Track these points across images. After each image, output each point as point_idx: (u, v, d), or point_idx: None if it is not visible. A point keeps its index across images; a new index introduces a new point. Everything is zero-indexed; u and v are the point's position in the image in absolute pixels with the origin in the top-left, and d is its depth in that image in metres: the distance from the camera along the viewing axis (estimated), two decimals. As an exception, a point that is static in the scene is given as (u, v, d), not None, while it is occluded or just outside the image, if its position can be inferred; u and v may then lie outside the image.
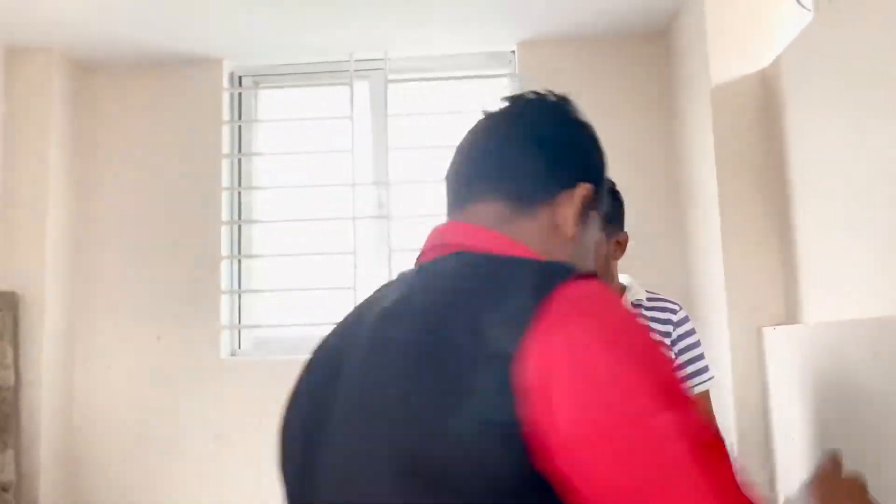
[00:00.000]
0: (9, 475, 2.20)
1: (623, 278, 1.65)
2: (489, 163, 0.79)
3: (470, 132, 0.85)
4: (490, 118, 0.83)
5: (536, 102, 0.82)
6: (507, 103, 0.83)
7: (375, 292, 0.79)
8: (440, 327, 0.61)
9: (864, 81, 1.43)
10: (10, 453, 2.21)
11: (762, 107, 1.97)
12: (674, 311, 1.62)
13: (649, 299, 1.62)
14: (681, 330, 1.60)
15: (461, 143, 0.84)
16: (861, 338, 1.33)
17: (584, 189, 0.77)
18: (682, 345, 1.60)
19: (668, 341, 1.59)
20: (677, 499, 0.52)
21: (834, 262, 1.60)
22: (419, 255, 0.79)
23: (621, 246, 1.57)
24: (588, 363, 0.55)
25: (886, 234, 1.35)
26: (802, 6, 1.69)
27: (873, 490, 0.80)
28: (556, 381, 0.54)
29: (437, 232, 0.79)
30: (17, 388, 2.26)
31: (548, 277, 0.60)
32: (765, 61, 1.99)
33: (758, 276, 1.92)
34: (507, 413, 0.54)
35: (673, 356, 1.58)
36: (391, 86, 2.62)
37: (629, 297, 1.60)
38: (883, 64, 1.34)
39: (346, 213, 2.55)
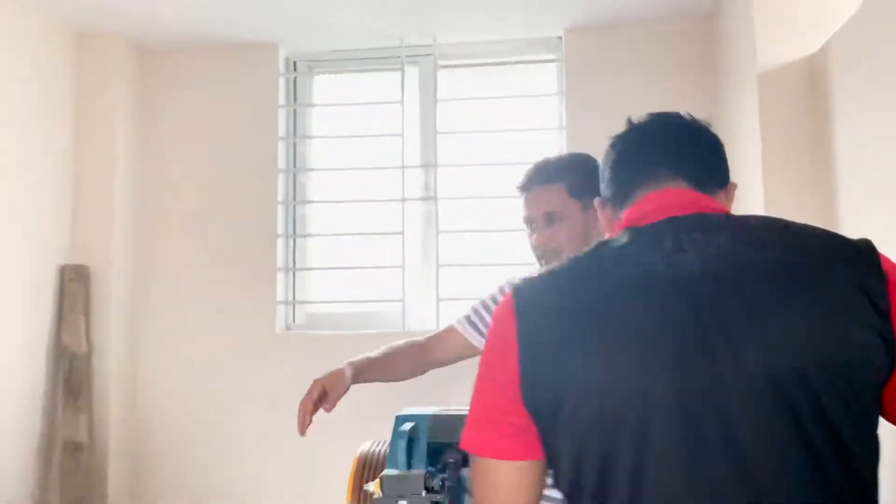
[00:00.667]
0: (82, 436, 2.36)
1: None
2: (681, 154, 0.97)
3: (653, 126, 1.03)
4: (670, 119, 1.03)
5: (697, 120, 1.04)
6: (680, 114, 1.04)
7: (643, 240, 0.86)
8: (821, 269, 0.81)
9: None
10: (83, 417, 2.37)
11: (809, 94, 2.00)
12: None
13: None
14: None
15: (645, 135, 1.01)
16: None
17: (734, 186, 1.02)
18: None
19: None
20: None
21: (874, 240, 1.64)
22: (654, 207, 0.90)
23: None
24: None
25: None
26: (852, -6, 1.71)
27: None
28: None
29: (667, 194, 0.92)
30: (88, 357, 2.42)
31: (869, 246, 0.87)
32: (812, 48, 2.01)
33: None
34: (887, 332, 0.77)
35: None
36: (440, 71, 2.70)
37: None
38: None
39: (396, 194, 2.65)
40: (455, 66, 2.74)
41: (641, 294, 0.81)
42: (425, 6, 2.46)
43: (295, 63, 2.82)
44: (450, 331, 1.81)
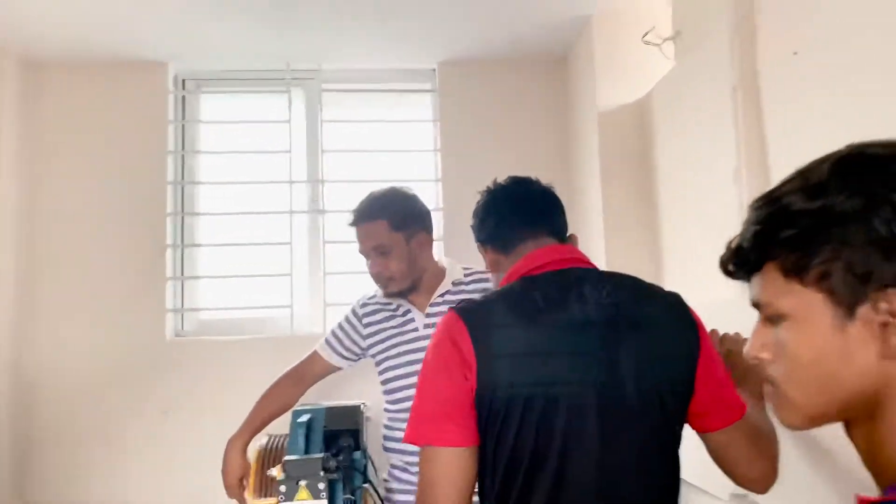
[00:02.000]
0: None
1: (444, 261, 2.04)
2: (548, 213, 1.36)
3: (514, 186, 1.40)
4: (532, 185, 1.41)
5: (548, 186, 1.43)
6: (538, 181, 1.42)
7: (547, 285, 1.20)
8: (668, 315, 1.23)
9: (704, 116, 1.88)
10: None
11: (638, 131, 2.42)
12: (487, 280, 2.00)
13: (467, 275, 2.02)
14: None
15: (515, 197, 1.37)
16: (714, 315, 1.77)
17: (576, 237, 1.42)
18: None
19: None
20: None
21: (687, 255, 2.07)
22: (545, 262, 1.24)
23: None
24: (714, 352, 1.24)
25: (715, 231, 1.81)
26: (666, 56, 2.13)
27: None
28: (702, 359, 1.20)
29: (552, 251, 1.28)
30: (-27, 367, 2.42)
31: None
32: (641, 93, 2.43)
33: (632, 265, 2.36)
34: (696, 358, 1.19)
35: None
36: (324, 94, 2.92)
37: (450, 278, 2.00)
38: (715, 103, 1.78)
39: (284, 207, 2.84)
40: (338, 90, 2.96)
41: (565, 325, 1.15)
42: (311, 34, 2.66)
43: (184, 81, 2.93)
44: (314, 357, 2.11)
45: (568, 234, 1.38)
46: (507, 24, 2.63)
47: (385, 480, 1.97)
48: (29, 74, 2.73)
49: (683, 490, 2.01)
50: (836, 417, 0.70)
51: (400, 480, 1.94)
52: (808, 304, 0.68)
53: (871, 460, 0.68)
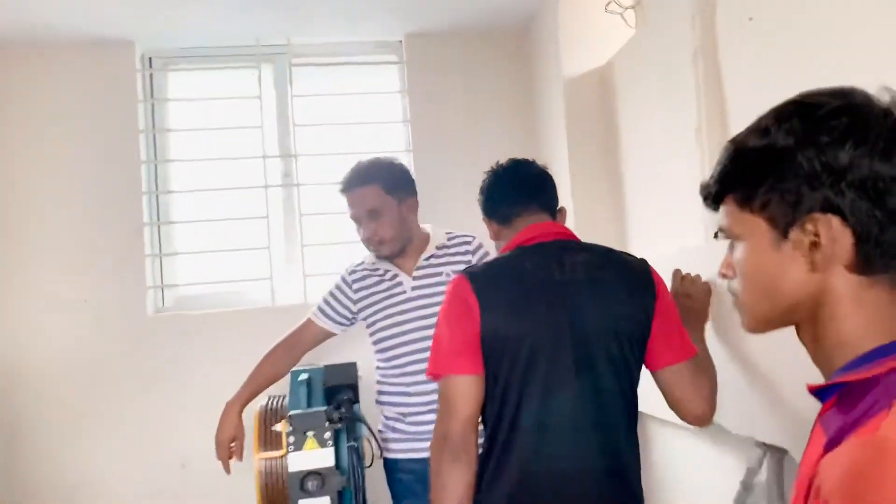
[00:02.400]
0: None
1: (426, 227, 2.15)
2: (541, 191, 1.61)
3: (514, 168, 1.65)
4: (529, 166, 1.65)
5: (544, 167, 1.67)
6: (534, 163, 1.66)
7: (535, 255, 1.50)
8: (627, 276, 1.50)
9: (665, 81, 2.02)
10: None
11: (602, 97, 2.55)
12: (469, 242, 2.15)
13: (449, 239, 2.15)
14: (479, 254, 2.14)
15: (515, 177, 1.63)
16: (677, 261, 1.93)
17: (564, 210, 1.69)
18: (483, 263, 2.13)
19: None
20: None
21: (652, 210, 2.22)
22: (534, 235, 1.53)
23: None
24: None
25: (677, 189, 1.96)
26: (627, 24, 2.26)
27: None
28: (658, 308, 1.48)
29: (539, 227, 1.55)
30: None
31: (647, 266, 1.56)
32: (602, 60, 2.56)
33: (599, 224, 2.51)
34: (651, 311, 1.47)
35: None
36: (294, 69, 2.96)
37: (434, 242, 2.12)
38: (676, 67, 1.92)
39: (258, 182, 2.89)
40: (307, 64, 3.01)
41: (547, 286, 1.45)
42: (279, 9, 2.70)
43: (150, 59, 2.93)
44: (308, 324, 2.20)
45: (558, 208, 1.64)
46: (471, -4, 2.71)
47: (380, 431, 2.09)
48: (-7, 55, 2.71)
49: (656, 425, 2.18)
50: (784, 321, 0.84)
51: (395, 430, 2.06)
52: (753, 227, 0.81)
53: (816, 356, 0.82)
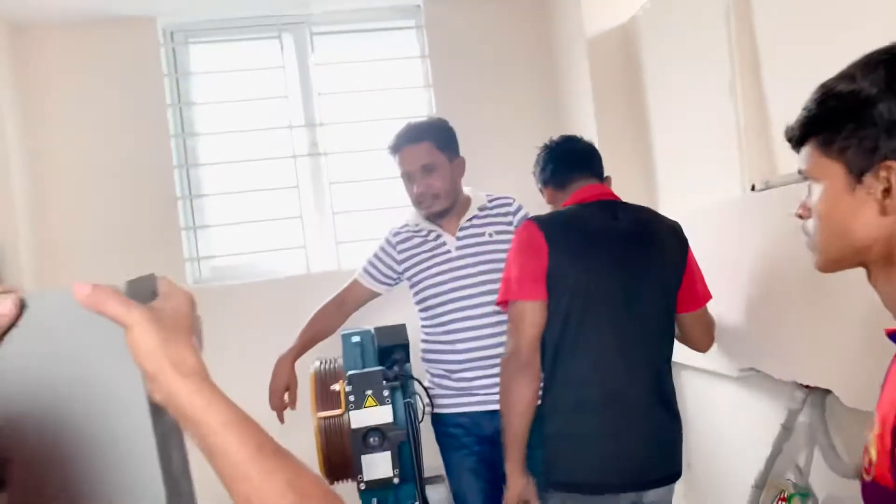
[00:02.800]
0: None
1: (466, 190, 2.22)
2: (592, 161, 1.90)
3: (566, 142, 1.96)
4: (579, 141, 1.96)
5: (590, 142, 1.99)
6: (571, 137, 1.98)
7: (593, 209, 1.76)
8: (668, 234, 1.77)
9: (695, 36, 2.05)
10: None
11: (626, 54, 2.58)
12: (509, 204, 2.21)
13: (490, 200, 2.21)
14: (520, 214, 2.20)
15: (568, 150, 1.93)
16: (703, 215, 1.99)
17: (609, 178, 1.95)
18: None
19: (511, 227, 2.17)
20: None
21: (682, 167, 2.27)
22: (590, 195, 1.80)
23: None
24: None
25: (710, 143, 2.01)
26: (653, -20, 2.28)
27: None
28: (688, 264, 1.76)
29: (594, 187, 1.82)
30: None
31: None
32: (625, 18, 2.58)
33: (627, 180, 2.56)
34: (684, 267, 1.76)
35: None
36: (315, 38, 2.98)
37: (475, 204, 2.18)
38: (704, 25, 1.95)
39: (286, 152, 2.93)
40: (327, 32, 3.03)
41: (604, 235, 1.71)
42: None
43: (172, 33, 2.95)
44: (354, 284, 2.27)
45: (605, 176, 1.91)
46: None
47: (428, 388, 2.17)
48: (18, 38, 2.72)
49: (695, 375, 2.26)
50: (854, 262, 0.89)
51: (442, 387, 2.15)
52: (831, 171, 0.86)
53: (888, 300, 0.88)
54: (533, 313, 1.66)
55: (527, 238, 1.71)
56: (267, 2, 2.87)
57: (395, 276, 2.23)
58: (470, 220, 2.16)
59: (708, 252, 1.90)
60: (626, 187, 2.53)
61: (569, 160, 1.88)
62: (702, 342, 1.84)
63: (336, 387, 1.88)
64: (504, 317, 2.11)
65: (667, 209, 2.39)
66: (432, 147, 2.09)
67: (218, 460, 0.60)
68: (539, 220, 1.74)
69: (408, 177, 2.13)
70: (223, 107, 2.98)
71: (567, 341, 1.66)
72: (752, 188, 1.75)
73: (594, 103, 2.60)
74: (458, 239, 2.14)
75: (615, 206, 1.77)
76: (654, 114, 2.45)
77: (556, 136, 1.96)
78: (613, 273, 1.67)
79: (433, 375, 2.19)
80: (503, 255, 2.14)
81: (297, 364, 2.21)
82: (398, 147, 2.12)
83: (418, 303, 2.19)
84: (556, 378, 1.67)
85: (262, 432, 0.62)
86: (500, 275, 2.10)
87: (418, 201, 2.12)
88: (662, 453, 1.69)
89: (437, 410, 2.17)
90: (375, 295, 2.27)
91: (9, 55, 2.69)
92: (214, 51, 3.04)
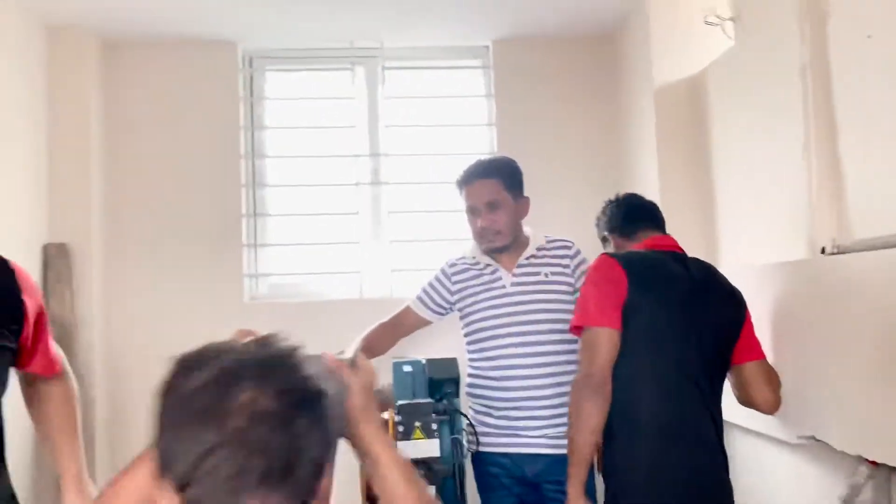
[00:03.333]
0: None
1: (526, 230, 2.24)
2: (657, 215, 2.01)
3: (633, 196, 2.08)
4: (634, 196, 2.07)
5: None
6: (634, 195, 2.09)
7: (665, 256, 1.84)
8: (731, 289, 1.84)
9: (768, 93, 2.04)
10: (69, 383, 2.56)
11: (693, 106, 2.58)
12: (568, 247, 2.23)
13: (549, 242, 2.23)
14: (577, 259, 2.21)
15: (635, 204, 2.03)
16: (768, 274, 1.96)
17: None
18: (579, 269, 2.19)
19: (568, 270, 2.19)
20: None
21: (746, 223, 2.24)
22: (661, 244, 1.88)
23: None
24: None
25: (778, 203, 1.98)
26: (727, 35, 2.29)
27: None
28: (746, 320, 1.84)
29: (664, 238, 1.92)
30: (74, 327, 2.61)
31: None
32: (695, 69, 2.59)
33: (687, 233, 2.54)
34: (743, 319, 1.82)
35: (573, 280, 2.19)
36: (386, 71, 3.06)
37: (534, 244, 2.20)
38: (778, 83, 1.95)
39: (349, 179, 3.00)
40: (398, 67, 3.11)
41: (677, 279, 1.78)
42: (373, 13, 2.80)
43: (251, 59, 3.07)
44: (407, 311, 2.32)
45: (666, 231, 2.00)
46: (558, 3, 2.76)
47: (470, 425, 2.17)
48: (109, 54, 2.88)
49: (749, 438, 2.20)
50: None
51: (484, 424, 2.15)
52: None
53: None
54: (609, 339, 1.69)
55: (606, 269, 1.76)
56: (343, 34, 2.97)
57: (447, 305, 2.26)
58: (528, 258, 2.17)
59: (771, 312, 1.87)
60: (685, 240, 2.51)
61: (638, 211, 1.98)
62: (766, 398, 1.80)
63: (385, 415, 1.89)
64: (554, 357, 2.11)
65: (727, 265, 2.36)
66: (500, 185, 2.13)
67: (384, 483, 0.98)
68: (618, 255, 1.82)
69: (473, 211, 2.16)
70: (292, 132, 3.08)
71: (638, 372, 1.70)
72: (822, 251, 1.72)
73: (657, 152, 2.61)
74: (514, 276, 2.16)
75: (684, 258, 1.85)
76: (718, 167, 2.44)
77: (621, 193, 2.09)
78: (684, 313, 1.73)
79: (476, 411, 2.19)
80: (557, 297, 2.15)
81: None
82: (467, 181, 2.15)
83: (467, 335, 2.21)
84: (626, 407, 1.70)
85: (411, 467, 1.01)
86: (552, 315, 2.11)
87: (480, 235, 2.15)
88: (724, 490, 1.75)
89: (479, 448, 2.16)
90: (426, 322, 2.29)
91: (100, 68, 2.84)
92: (289, 78, 3.15)
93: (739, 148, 2.28)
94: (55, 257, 2.60)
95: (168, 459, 0.74)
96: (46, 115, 2.69)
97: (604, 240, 2.04)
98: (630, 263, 1.77)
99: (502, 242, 2.14)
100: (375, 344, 2.26)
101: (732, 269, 2.23)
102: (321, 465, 0.78)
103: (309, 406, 0.77)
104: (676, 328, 1.72)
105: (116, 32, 2.83)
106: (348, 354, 2.12)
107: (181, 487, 0.72)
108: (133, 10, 2.67)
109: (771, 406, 1.81)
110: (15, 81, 2.54)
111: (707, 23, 2.33)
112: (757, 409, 1.83)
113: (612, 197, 2.05)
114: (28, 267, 2.50)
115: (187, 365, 0.77)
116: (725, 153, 2.39)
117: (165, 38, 2.89)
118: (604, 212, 2.03)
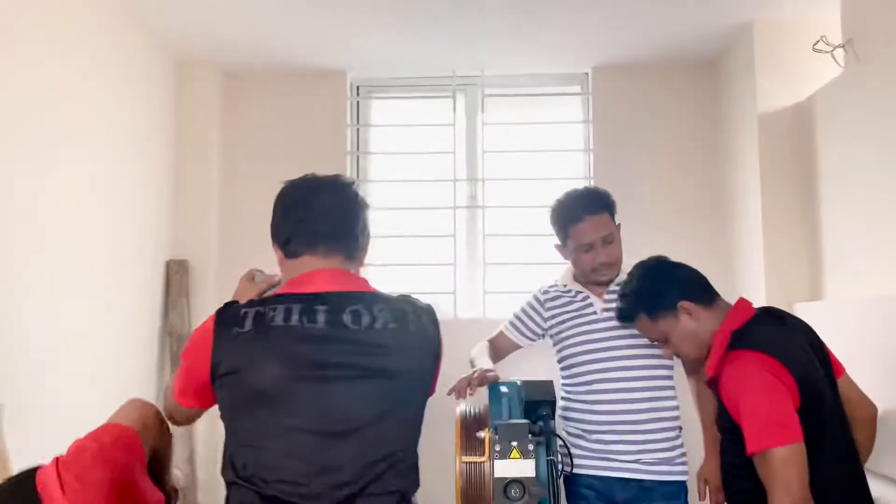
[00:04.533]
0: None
1: None
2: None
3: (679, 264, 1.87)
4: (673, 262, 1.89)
5: None
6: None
7: (769, 320, 1.68)
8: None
9: (881, 121, 1.98)
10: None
11: (797, 134, 2.53)
12: None
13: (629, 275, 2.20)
14: None
15: (691, 270, 1.84)
16: (870, 312, 1.90)
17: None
18: None
19: None
20: None
21: (856, 253, 2.18)
22: (749, 306, 1.71)
23: None
24: None
25: (894, 234, 1.92)
26: (837, 62, 2.24)
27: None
28: None
29: (744, 300, 1.72)
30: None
31: None
32: (800, 96, 2.54)
33: (790, 262, 2.49)
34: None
35: None
36: (486, 99, 3.16)
37: (624, 270, 2.16)
38: (889, 114, 1.89)
39: (447, 203, 3.10)
40: (498, 95, 3.20)
41: (810, 347, 1.64)
42: (474, 44, 2.91)
43: (358, 87, 3.24)
44: (501, 335, 2.35)
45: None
46: (659, 30, 2.78)
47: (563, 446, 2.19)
48: (230, 84, 3.11)
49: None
50: None
51: (577, 447, 2.16)
52: None
53: None
54: (800, 456, 1.44)
55: (767, 372, 1.50)
56: (446, 64, 3.09)
57: (540, 332, 2.29)
58: (619, 284, 2.18)
59: (884, 346, 1.81)
60: (788, 266, 2.47)
61: (703, 279, 1.80)
62: (868, 404, 1.70)
63: (482, 434, 1.94)
64: (646, 382, 2.10)
65: (834, 296, 2.29)
66: (609, 218, 2.14)
67: None
68: (766, 348, 1.54)
69: (589, 247, 2.16)
70: (395, 157, 3.21)
71: (826, 477, 1.49)
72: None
73: (761, 180, 2.56)
74: (605, 301, 2.17)
75: (781, 313, 1.71)
76: (826, 196, 2.38)
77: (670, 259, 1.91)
78: (830, 390, 1.60)
79: (569, 434, 2.21)
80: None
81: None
82: (579, 217, 2.15)
83: (561, 360, 2.23)
84: None
85: None
86: (642, 339, 2.08)
87: (595, 269, 2.16)
88: None
89: (573, 470, 2.18)
90: (517, 347, 2.34)
91: (220, 97, 3.07)
92: (393, 105, 3.30)
93: (848, 176, 2.22)
94: (176, 272, 2.81)
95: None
96: (174, 142, 2.93)
97: (683, 309, 1.75)
98: (786, 353, 1.53)
99: (615, 273, 2.16)
100: (493, 357, 2.30)
101: (835, 303, 2.17)
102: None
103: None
104: (836, 415, 1.59)
105: (237, 64, 3.06)
106: (480, 364, 2.19)
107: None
108: (254, 44, 2.88)
109: (873, 414, 1.72)
110: (147, 112, 2.79)
111: (815, 50, 2.29)
112: (862, 420, 1.70)
113: (652, 262, 1.90)
114: (152, 281, 2.76)
115: None
116: (833, 181, 2.33)
117: (281, 68, 3.10)
118: (675, 282, 1.80)
